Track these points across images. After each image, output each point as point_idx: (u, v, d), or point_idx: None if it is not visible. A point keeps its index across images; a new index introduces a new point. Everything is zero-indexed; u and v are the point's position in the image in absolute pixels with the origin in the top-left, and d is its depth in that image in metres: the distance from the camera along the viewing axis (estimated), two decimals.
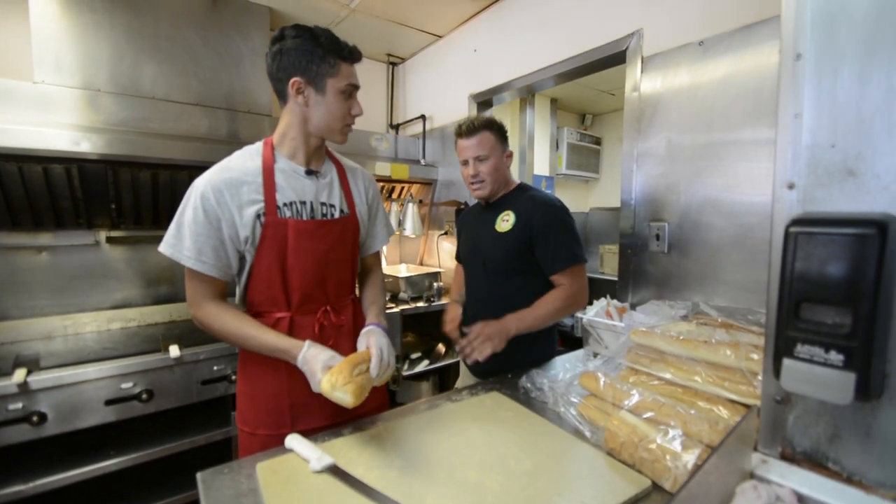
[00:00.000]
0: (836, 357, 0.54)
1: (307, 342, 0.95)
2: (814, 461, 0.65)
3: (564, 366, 1.24)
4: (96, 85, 1.89)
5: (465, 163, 1.41)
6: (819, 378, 0.55)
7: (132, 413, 1.57)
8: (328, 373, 0.86)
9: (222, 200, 0.97)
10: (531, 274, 1.37)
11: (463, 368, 1.55)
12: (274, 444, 1.04)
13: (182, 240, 0.97)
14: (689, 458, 0.72)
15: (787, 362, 0.58)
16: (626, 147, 1.62)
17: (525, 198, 1.39)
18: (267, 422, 1.06)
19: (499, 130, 1.40)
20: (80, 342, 1.86)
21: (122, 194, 1.91)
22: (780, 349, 0.59)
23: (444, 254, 2.74)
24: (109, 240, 2.07)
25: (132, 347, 1.74)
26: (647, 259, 1.57)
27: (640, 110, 1.57)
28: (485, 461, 0.81)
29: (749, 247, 1.32)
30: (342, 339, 1.13)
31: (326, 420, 1.07)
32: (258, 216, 1.00)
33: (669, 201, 1.51)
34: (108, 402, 1.53)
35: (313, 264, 1.07)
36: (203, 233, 0.96)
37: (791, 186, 0.64)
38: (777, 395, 0.67)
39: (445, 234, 2.69)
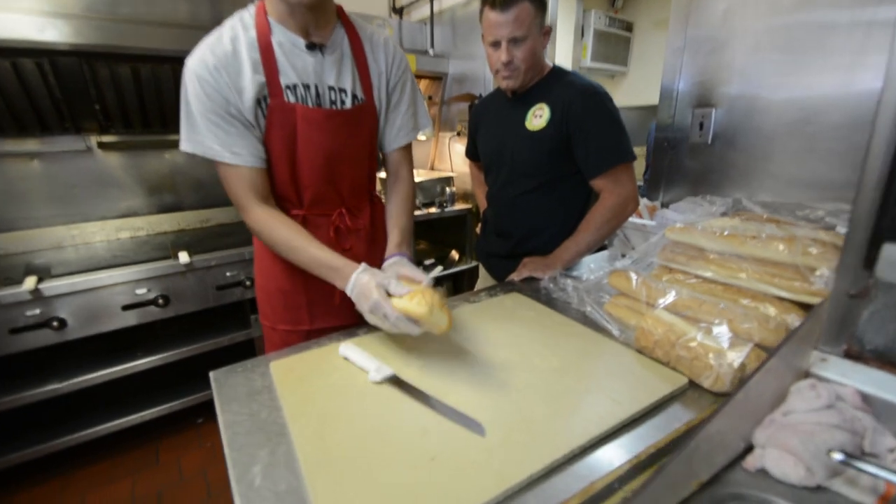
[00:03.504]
0: None
1: (363, 264, 0.82)
2: (885, 359, 0.58)
3: (589, 266, 1.16)
4: None
5: (496, 44, 1.10)
6: None
7: (151, 317, 1.59)
8: (409, 295, 0.72)
9: (221, 81, 0.81)
10: (571, 181, 1.20)
11: (483, 272, 1.49)
12: (295, 339, 1.03)
13: (201, 133, 0.83)
14: (736, 356, 0.66)
15: (888, 249, 0.48)
16: (673, 24, 1.37)
17: (561, 85, 1.15)
18: (285, 318, 1.03)
19: (539, 1, 1.10)
20: (91, 251, 1.84)
21: (104, 93, 1.74)
22: (883, 233, 0.48)
23: (456, 157, 2.57)
24: (101, 145, 1.96)
25: (142, 255, 1.71)
26: (686, 152, 1.41)
27: None
28: (508, 360, 0.76)
29: (809, 134, 1.15)
30: (360, 244, 1.05)
31: (344, 320, 1.03)
32: (259, 102, 0.85)
33: (720, 84, 1.30)
34: (126, 308, 1.54)
35: (323, 161, 0.93)
36: (220, 121, 0.82)
37: None
38: (853, 289, 0.58)
39: (458, 134, 2.49)
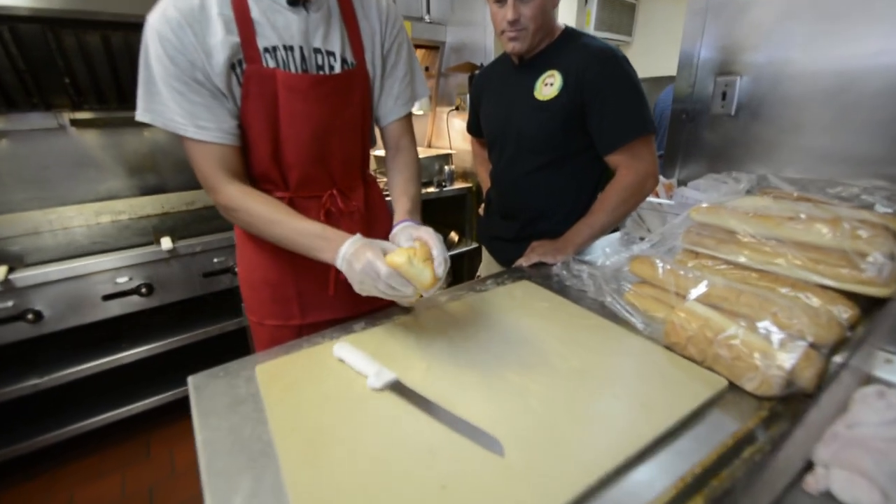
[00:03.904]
0: None
1: (358, 234, 0.73)
2: None
3: (604, 251, 1.07)
4: None
5: (501, 1, 1.00)
6: None
7: (135, 307, 1.50)
8: (395, 251, 0.68)
9: (186, 40, 0.69)
10: (584, 156, 1.09)
11: (486, 255, 1.40)
12: (286, 336, 0.94)
13: (162, 102, 0.72)
14: (788, 357, 0.58)
15: None
16: None
17: (574, 49, 1.03)
18: (274, 312, 0.94)
19: None
20: (70, 237, 1.73)
21: (73, 64, 1.60)
22: None
23: (454, 133, 2.44)
24: (75, 123, 1.82)
25: (123, 241, 1.60)
26: (706, 124, 1.31)
27: None
28: (523, 359, 0.68)
29: (844, 103, 1.05)
30: (354, 228, 0.94)
31: (339, 312, 0.95)
32: (234, 66, 0.73)
33: (746, 50, 1.19)
34: (107, 298, 1.44)
35: (310, 135, 0.82)
36: (184, 89, 0.71)
37: None
38: None
39: (456, 109, 2.36)
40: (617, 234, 1.30)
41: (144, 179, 1.98)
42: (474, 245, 2.40)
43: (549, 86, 1.06)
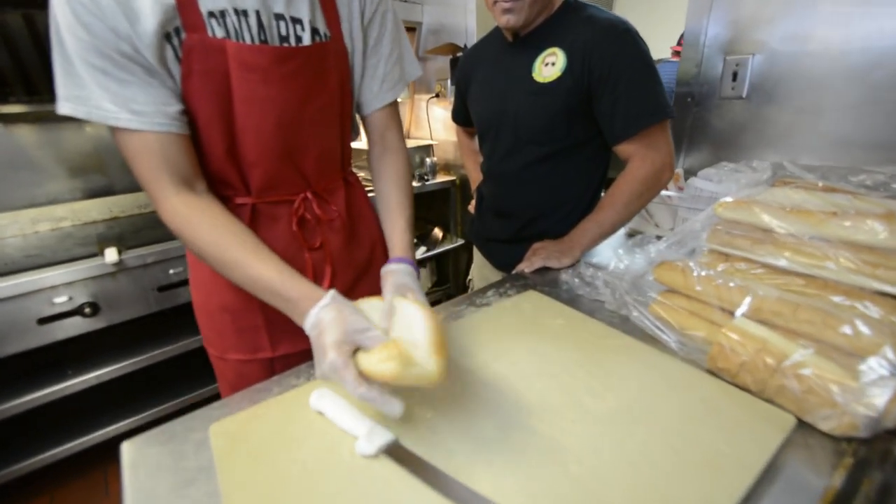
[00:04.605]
0: None
1: (331, 293, 0.56)
2: None
3: (617, 252, 0.95)
4: None
5: None
6: None
7: (78, 330, 1.31)
8: (381, 346, 0.49)
9: (103, 3, 0.52)
10: (590, 146, 0.97)
11: (478, 257, 1.26)
12: (255, 372, 0.78)
13: (84, 85, 0.54)
14: (879, 392, 0.47)
15: None
16: None
17: (579, 22, 0.91)
18: (238, 345, 0.78)
19: None
20: (0, 250, 1.51)
21: None
22: None
23: (435, 122, 2.29)
24: (2, 118, 1.59)
25: (63, 253, 1.40)
26: (713, 108, 1.20)
27: None
28: (548, 399, 0.56)
29: (874, 82, 0.96)
30: (334, 238, 0.80)
31: None
32: (168, 36, 0.57)
33: (760, 24, 1.08)
34: (43, 321, 1.24)
35: (273, 125, 0.66)
36: (109, 66, 0.54)
37: None
38: None
39: (437, 96, 2.21)
40: (621, 233, 1.19)
41: (89, 181, 1.76)
42: (460, 242, 2.27)
43: (550, 66, 0.92)
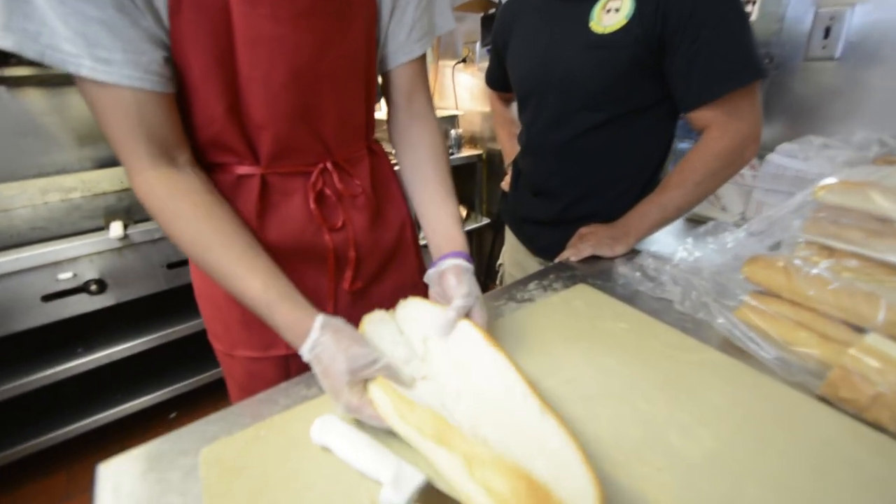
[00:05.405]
0: None
1: (319, 322, 0.46)
2: None
3: (685, 241, 0.81)
4: None
5: None
6: None
7: (84, 308, 1.24)
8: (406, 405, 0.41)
9: None
10: (655, 112, 0.82)
11: (511, 239, 1.13)
12: (267, 372, 0.67)
13: (36, 16, 0.41)
14: None
15: None
16: None
17: None
18: (247, 340, 0.67)
19: None
20: (7, 221, 1.45)
21: None
22: None
23: (461, 90, 2.12)
24: (7, 81, 1.51)
25: (69, 226, 1.33)
26: (796, 71, 1.02)
27: None
28: (624, 436, 0.44)
29: None
30: (357, 218, 0.68)
31: None
32: None
33: None
34: (47, 298, 1.18)
35: (287, 76, 0.54)
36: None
37: None
38: None
39: (463, 61, 2.03)
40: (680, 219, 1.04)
41: (97, 149, 1.68)
42: (485, 221, 2.14)
43: (612, 12, 0.76)
